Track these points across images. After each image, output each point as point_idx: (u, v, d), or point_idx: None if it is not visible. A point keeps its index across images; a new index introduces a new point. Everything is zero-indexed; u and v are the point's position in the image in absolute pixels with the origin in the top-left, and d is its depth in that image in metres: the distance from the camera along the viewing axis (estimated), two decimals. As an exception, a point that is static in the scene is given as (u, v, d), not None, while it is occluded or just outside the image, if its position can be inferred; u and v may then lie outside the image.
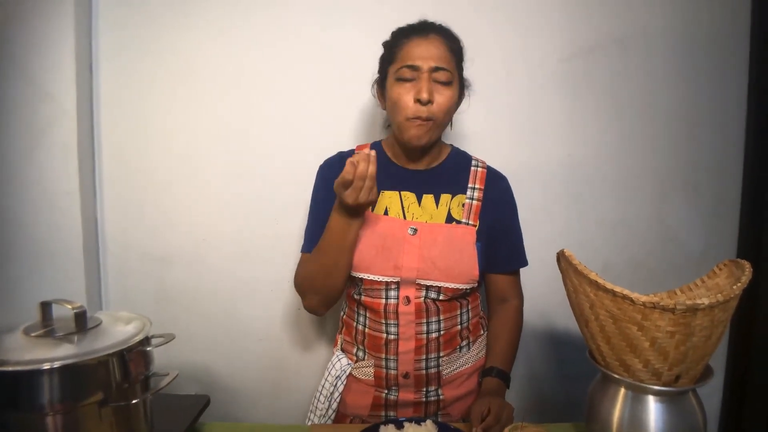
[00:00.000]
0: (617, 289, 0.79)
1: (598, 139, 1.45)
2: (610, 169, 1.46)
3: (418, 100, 0.99)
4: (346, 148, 1.19)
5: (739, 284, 0.80)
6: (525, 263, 1.17)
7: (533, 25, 1.40)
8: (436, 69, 1.00)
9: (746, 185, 1.48)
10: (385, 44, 1.09)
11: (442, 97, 1.01)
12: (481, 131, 1.40)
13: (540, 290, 1.40)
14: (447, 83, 1.01)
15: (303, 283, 1.09)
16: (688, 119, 1.45)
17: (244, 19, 1.39)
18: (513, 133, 1.44)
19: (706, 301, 0.76)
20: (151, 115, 1.42)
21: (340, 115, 1.42)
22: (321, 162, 1.16)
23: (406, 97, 1.01)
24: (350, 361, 1.14)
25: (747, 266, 0.85)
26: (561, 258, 0.90)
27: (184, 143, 1.43)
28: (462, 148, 1.19)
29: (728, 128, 1.46)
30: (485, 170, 1.14)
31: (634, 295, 0.78)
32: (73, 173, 1.35)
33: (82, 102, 1.36)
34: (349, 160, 0.93)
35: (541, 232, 1.42)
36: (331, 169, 1.13)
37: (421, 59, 1.00)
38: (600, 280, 0.81)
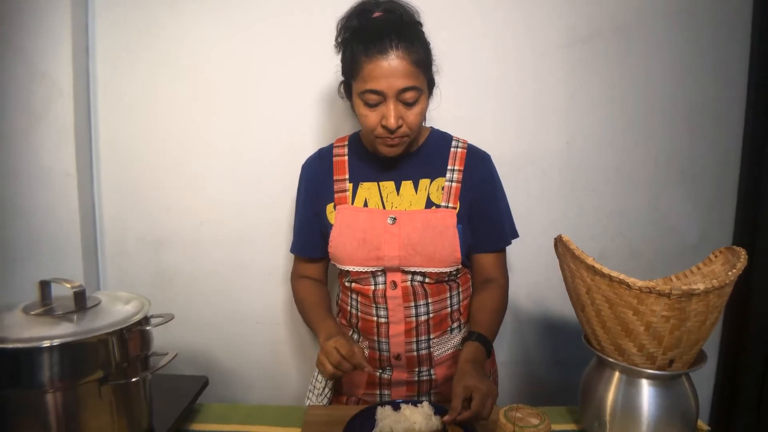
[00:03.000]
0: (614, 274, 0.80)
1: (597, 128, 1.44)
2: (608, 158, 1.46)
3: (385, 126, 0.97)
4: (341, 131, 1.18)
5: (734, 270, 0.80)
6: (508, 243, 1.15)
7: (532, 12, 1.39)
8: (403, 90, 0.94)
9: (743, 175, 1.48)
10: (343, 49, 1.01)
11: (412, 114, 0.97)
12: (479, 119, 1.40)
13: (536, 277, 1.41)
14: (415, 101, 0.97)
15: (296, 304, 1.19)
16: (688, 109, 1.45)
17: (242, 1, 1.37)
18: (511, 121, 1.43)
19: (701, 286, 0.77)
20: (148, 97, 1.41)
21: (335, 100, 1.40)
22: (316, 145, 1.16)
23: (373, 119, 0.98)
24: None
25: (743, 253, 0.85)
26: (558, 243, 0.91)
27: (181, 125, 1.42)
28: (460, 136, 1.15)
29: (727, 118, 1.46)
30: (465, 150, 1.12)
31: (631, 280, 0.79)
32: (70, 154, 1.34)
33: (79, 83, 1.35)
34: (343, 362, 0.93)
35: (538, 220, 1.43)
36: (311, 168, 1.16)
37: (385, 84, 0.93)
38: (597, 265, 0.82)
